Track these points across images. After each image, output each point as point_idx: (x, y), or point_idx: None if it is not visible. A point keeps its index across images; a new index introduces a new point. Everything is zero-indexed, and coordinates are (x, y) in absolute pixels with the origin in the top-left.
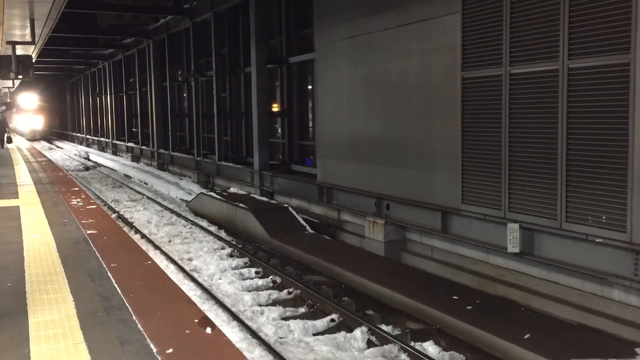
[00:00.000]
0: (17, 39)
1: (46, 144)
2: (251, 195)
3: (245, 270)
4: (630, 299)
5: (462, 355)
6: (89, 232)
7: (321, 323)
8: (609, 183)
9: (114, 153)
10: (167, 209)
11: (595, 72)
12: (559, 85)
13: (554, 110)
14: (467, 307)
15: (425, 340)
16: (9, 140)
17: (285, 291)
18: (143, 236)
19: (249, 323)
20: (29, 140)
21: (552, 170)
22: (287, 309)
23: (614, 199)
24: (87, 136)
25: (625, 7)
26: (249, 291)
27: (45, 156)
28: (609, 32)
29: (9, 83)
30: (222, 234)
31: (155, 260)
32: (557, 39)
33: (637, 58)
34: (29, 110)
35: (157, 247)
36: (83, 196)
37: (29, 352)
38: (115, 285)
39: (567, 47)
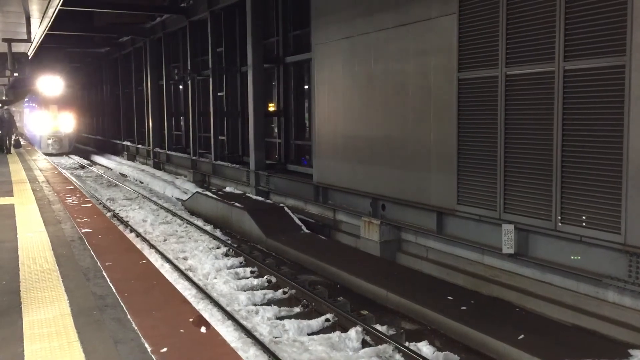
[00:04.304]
0: (13, 37)
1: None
2: (247, 194)
3: (240, 270)
4: (624, 301)
5: (456, 355)
6: (83, 230)
7: (316, 323)
8: (604, 184)
9: (112, 152)
10: (162, 207)
11: (590, 73)
12: (555, 87)
13: (549, 112)
14: (462, 308)
15: (419, 341)
16: (17, 144)
17: (280, 291)
18: (138, 235)
19: (244, 322)
20: (51, 154)
21: (547, 172)
22: (282, 308)
23: (609, 201)
24: (83, 134)
25: (620, 9)
26: (244, 291)
27: (38, 155)
28: (605, 34)
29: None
30: (218, 233)
31: (150, 259)
32: (552, 40)
33: (632, 60)
34: (50, 104)
35: (152, 246)
36: (78, 194)
37: (23, 350)
38: (110, 284)
39: (563, 48)
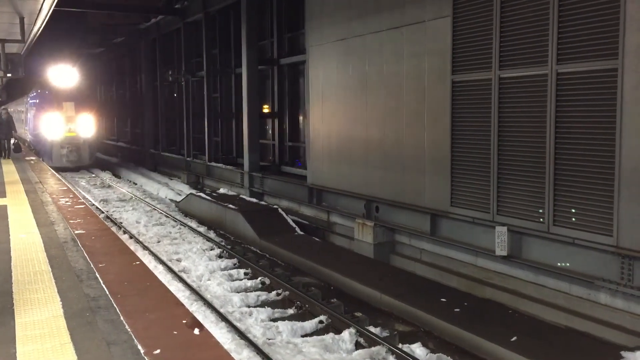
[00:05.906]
0: (7, 37)
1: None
2: (241, 196)
3: (234, 271)
4: (617, 303)
5: (449, 357)
6: (77, 232)
7: (310, 324)
8: (597, 187)
9: (104, 153)
10: (156, 209)
11: (583, 77)
12: (548, 90)
13: (542, 114)
14: (455, 310)
15: (413, 343)
16: (17, 149)
17: (274, 292)
18: (132, 236)
19: (238, 324)
20: (66, 168)
21: (540, 174)
22: (276, 310)
23: (601, 203)
24: None
25: (613, 13)
26: (238, 292)
27: (33, 155)
28: (598, 38)
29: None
30: (212, 234)
31: (144, 261)
32: (546, 43)
33: (625, 64)
34: (65, 100)
35: (145, 248)
36: (71, 196)
37: (15, 352)
38: (103, 286)
39: (556, 52)
